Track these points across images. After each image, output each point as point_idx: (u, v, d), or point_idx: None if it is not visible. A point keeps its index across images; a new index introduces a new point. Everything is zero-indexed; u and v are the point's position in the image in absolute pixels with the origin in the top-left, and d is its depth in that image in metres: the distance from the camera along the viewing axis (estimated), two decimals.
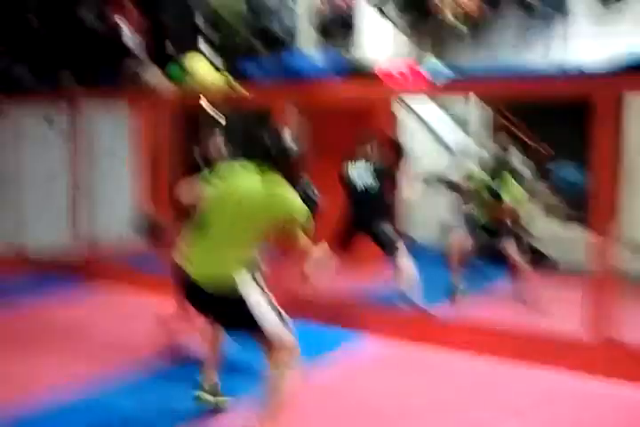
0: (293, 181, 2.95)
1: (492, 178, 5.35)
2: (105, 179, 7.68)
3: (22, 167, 7.06)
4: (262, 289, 2.94)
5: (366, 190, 4.96)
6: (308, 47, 5.60)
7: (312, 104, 5.02)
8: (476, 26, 4.99)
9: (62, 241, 6.81)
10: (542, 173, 7.48)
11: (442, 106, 8.22)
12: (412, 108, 7.38)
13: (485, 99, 5.95)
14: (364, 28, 5.38)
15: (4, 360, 4.12)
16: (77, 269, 6.41)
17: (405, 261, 4.90)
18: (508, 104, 6.90)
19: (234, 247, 2.89)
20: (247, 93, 5.09)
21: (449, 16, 4.93)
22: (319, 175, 4.69)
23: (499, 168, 5.40)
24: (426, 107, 7.62)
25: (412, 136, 6.38)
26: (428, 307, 4.74)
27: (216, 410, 3.41)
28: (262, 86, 5.13)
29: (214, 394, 3.45)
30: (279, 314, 2.91)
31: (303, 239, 2.97)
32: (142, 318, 4.89)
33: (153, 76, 6.00)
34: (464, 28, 5.02)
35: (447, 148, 6.12)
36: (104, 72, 6.29)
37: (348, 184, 5.01)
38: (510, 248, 5.27)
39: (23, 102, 6.85)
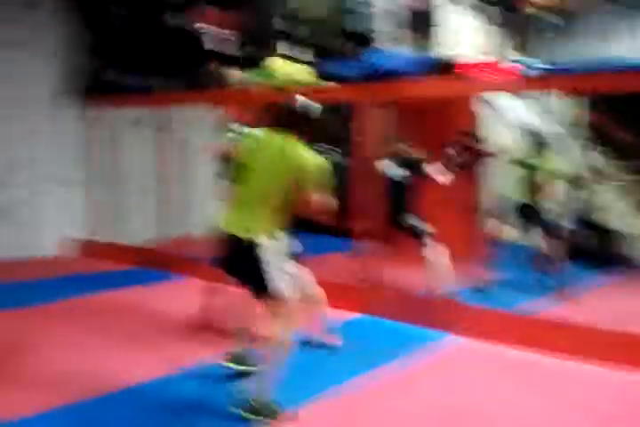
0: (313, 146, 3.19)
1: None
2: (196, 177, 7.94)
3: (118, 167, 7.36)
4: (278, 253, 3.20)
5: (398, 182, 5.13)
6: (391, 46, 5.61)
7: (396, 101, 5.07)
8: (564, 18, 4.89)
9: (155, 236, 7.07)
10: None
11: (533, 102, 8.12)
12: (496, 105, 7.32)
13: (575, 93, 5.82)
14: (446, 25, 5.34)
15: (104, 348, 4.28)
16: (170, 263, 6.61)
17: (434, 252, 5.04)
18: (601, 99, 6.73)
19: (261, 204, 3.16)
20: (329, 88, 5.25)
21: (535, 9, 4.84)
22: None
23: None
24: (514, 103, 7.53)
25: (498, 132, 6.29)
26: (456, 297, 4.80)
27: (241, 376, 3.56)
28: (347, 84, 5.21)
29: (240, 362, 3.67)
30: (286, 276, 3.20)
31: (317, 197, 3.14)
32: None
33: (239, 76, 6.14)
34: (551, 21, 4.91)
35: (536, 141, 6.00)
36: (191, 74, 6.49)
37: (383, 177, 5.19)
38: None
39: (116, 105, 7.13)
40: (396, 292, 5.14)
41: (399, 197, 5.15)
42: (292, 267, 3.49)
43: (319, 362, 4.00)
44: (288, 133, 3.21)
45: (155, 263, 6.63)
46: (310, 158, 3.13)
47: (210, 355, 3.99)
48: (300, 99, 3.29)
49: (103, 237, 7.25)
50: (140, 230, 7.17)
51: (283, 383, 3.18)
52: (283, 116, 3.28)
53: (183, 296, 5.53)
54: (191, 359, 3.99)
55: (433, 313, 4.76)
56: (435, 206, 5.44)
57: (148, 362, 3.97)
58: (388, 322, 4.88)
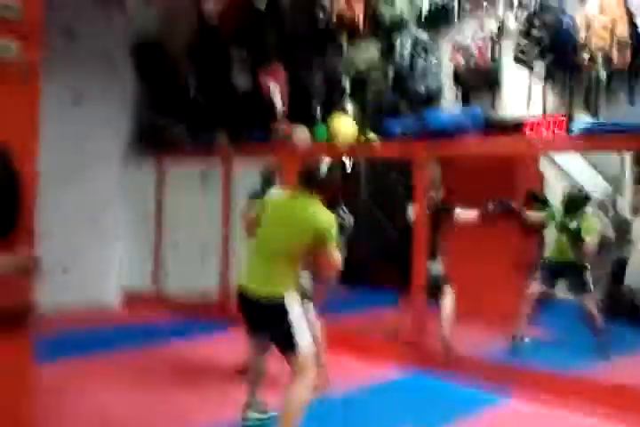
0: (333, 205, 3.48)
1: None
2: None
3: (180, 221, 7.58)
4: (304, 308, 3.40)
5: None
6: (452, 105, 5.65)
7: (453, 158, 5.18)
8: (631, 78, 4.80)
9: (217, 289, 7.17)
10: None
11: (594, 163, 8.01)
12: (556, 163, 7.25)
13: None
14: (506, 84, 5.36)
15: (164, 395, 4.35)
16: (219, 312, 6.68)
17: (448, 302, 5.15)
18: None
19: (281, 263, 3.35)
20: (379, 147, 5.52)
21: (600, 71, 4.78)
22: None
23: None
24: (574, 162, 7.44)
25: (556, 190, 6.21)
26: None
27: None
28: (404, 142, 5.37)
29: (261, 412, 3.77)
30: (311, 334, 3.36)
31: (332, 258, 3.32)
32: None
33: (300, 135, 6.28)
34: (605, 80, 4.83)
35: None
36: (255, 131, 6.70)
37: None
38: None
39: (181, 160, 7.40)
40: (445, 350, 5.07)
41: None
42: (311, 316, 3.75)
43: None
44: (312, 194, 3.41)
45: (212, 315, 6.72)
46: (325, 218, 3.32)
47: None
48: (326, 161, 3.47)
49: (164, 288, 7.42)
50: (200, 284, 7.30)
51: None
52: (308, 178, 3.47)
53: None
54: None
55: (485, 373, 4.63)
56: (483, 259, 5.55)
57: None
58: (437, 382, 4.78)
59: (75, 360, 5.16)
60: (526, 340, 5.59)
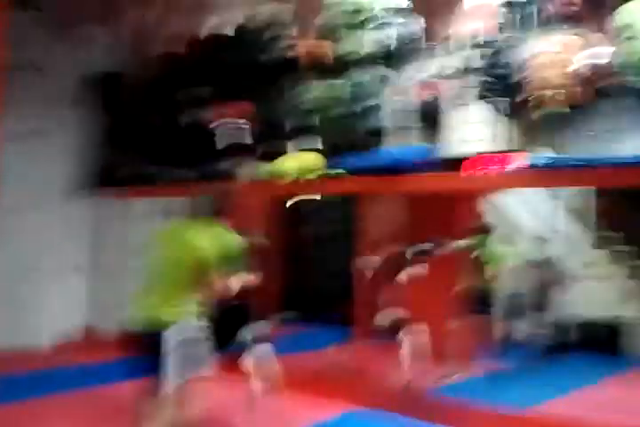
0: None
1: None
2: None
3: (126, 256, 7.47)
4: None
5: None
6: (402, 143, 5.64)
7: (403, 194, 5.19)
8: (582, 113, 4.84)
9: None
10: None
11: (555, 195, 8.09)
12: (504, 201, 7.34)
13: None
14: (455, 121, 5.37)
15: None
16: None
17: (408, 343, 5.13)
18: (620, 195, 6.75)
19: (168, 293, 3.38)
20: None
21: (551, 109, 4.82)
22: None
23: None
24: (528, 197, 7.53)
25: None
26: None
27: None
28: (359, 178, 5.39)
29: None
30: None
31: (218, 284, 3.33)
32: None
33: (254, 170, 6.25)
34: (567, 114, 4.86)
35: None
36: (207, 168, 6.65)
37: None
38: None
39: (146, 196, 7.31)
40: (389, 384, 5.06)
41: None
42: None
43: None
44: (214, 220, 3.48)
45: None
46: (209, 243, 3.33)
47: None
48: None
49: (109, 325, 7.25)
50: None
51: None
52: (213, 204, 3.56)
53: None
54: None
55: (431, 409, 4.58)
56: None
57: None
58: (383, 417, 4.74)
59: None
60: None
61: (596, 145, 4.74)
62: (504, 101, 4.97)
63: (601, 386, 5.73)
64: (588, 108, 4.71)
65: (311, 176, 5.63)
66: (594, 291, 7.48)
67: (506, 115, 5.06)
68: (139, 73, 7.72)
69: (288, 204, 6.45)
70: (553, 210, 7.79)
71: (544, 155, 4.63)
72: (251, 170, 6.20)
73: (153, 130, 7.37)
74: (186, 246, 3.38)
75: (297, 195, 6.24)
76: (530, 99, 4.76)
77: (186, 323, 3.36)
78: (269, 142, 6.35)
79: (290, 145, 6.10)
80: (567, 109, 4.69)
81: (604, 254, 8.11)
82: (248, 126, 6.53)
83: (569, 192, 8.01)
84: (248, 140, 6.54)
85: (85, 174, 7.86)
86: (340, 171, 5.57)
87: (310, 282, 9.52)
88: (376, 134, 5.57)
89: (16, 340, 6.92)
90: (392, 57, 5.82)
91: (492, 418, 4.49)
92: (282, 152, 6.22)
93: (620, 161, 4.16)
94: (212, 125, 6.58)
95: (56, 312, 7.52)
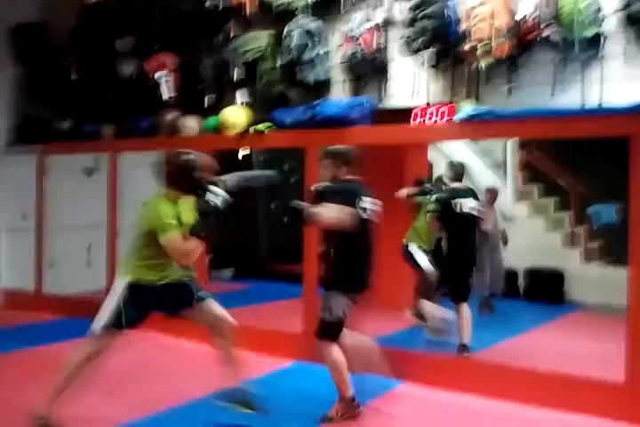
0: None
1: None
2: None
3: (63, 215, 7.23)
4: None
5: None
6: (342, 95, 5.66)
7: None
8: (510, 67, 4.94)
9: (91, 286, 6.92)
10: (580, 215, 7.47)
11: (480, 150, 8.31)
12: (443, 152, 7.47)
13: (521, 141, 5.98)
14: (394, 73, 5.41)
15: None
16: None
17: None
18: (546, 147, 7.01)
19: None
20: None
21: (480, 61, 4.89)
22: None
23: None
24: (461, 151, 7.69)
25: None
26: None
27: None
28: (294, 132, 5.39)
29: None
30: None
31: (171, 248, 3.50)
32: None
33: (190, 126, 6.14)
34: (486, 69, 4.96)
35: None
36: (142, 123, 6.48)
37: None
38: None
39: (65, 153, 7.05)
40: None
41: None
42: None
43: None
44: (169, 188, 3.65)
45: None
46: (157, 210, 3.56)
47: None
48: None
49: (45, 288, 7.10)
50: (85, 281, 7.00)
51: None
52: (167, 172, 3.67)
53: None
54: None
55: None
56: None
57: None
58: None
59: None
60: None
61: (518, 98, 4.89)
62: (431, 53, 5.01)
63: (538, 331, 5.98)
64: (512, 61, 4.81)
65: (258, 128, 5.61)
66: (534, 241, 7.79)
67: (432, 66, 5.12)
68: (61, 24, 7.32)
69: (240, 155, 6.36)
70: (478, 164, 8.01)
71: (473, 107, 4.71)
72: (194, 122, 6.04)
73: (75, 83, 7.06)
74: (146, 213, 3.68)
75: (240, 148, 6.14)
76: (459, 51, 4.82)
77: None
78: (211, 98, 6.20)
79: (233, 97, 5.98)
80: (492, 61, 4.75)
81: (527, 206, 8.46)
82: (170, 79, 6.34)
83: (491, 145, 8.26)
84: (169, 93, 6.37)
85: (22, 132, 7.50)
86: (270, 125, 5.56)
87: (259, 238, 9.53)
88: (313, 87, 5.54)
89: None
90: (326, 7, 5.75)
91: (432, 364, 4.62)
92: (208, 107, 6.13)
93: (544, 113, 4.27)
94: (152, 80, 6.33)
95: None
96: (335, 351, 3.81)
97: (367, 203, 3.91)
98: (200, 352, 5.11)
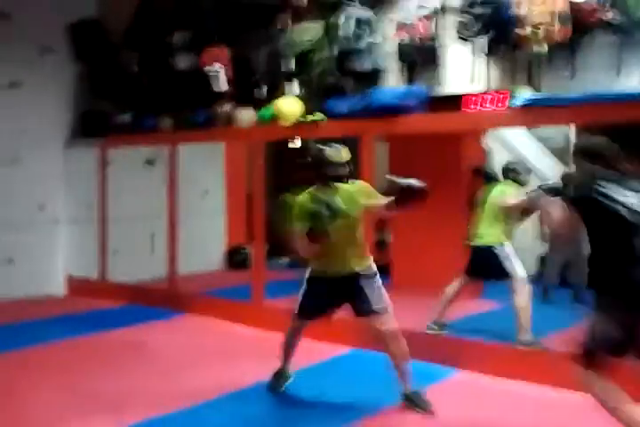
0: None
1: None
2: (201, 216, 8.08)
3: (126, 206, 7.45)
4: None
5: None
6: (396, 84, 5.66)
7: (397, 136, 5.18)
8: (570, 52, 4.86)
9: (152, 274, 7.14)
10: None
11: (539, 138, 8.16)
12: (502, 139, 7.35)
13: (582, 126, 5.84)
14: (450, 61, 5.39)
15: (101, 381, 4.31)
16: (171, 300, 6.63)
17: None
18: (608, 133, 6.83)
19: None
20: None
21: (536, 45, 4.83)
22: None
23: None
24: (519, 138, 7.56)
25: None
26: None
27: None
28: (350, 121, 5.36)
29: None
30: None
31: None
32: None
33: (245, 117, 6.23)
34: (546, 54, 4.88)
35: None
36: (199, 115, 6.61)
37: None
38: None
39: (126, 146, 7.26)
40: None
41: None
42: None
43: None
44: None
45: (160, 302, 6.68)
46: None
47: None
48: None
49: (108, 276, 7.34)
50: (147, 269, 7.21)
51: None
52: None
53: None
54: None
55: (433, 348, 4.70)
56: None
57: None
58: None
59: (24, 351, 5.06)
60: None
61: (579, 83, 4.79)
62: (484, 41, 4.96)
63: None
64: (566, 47, 4.73)
65: (313, 118, 5.62)
66: None
67: (485, 54, 5.07)
68: (116, 20, 7.51)
69: (294, 145, 6.42)
70: (536, 151, 7.87)
71: (530, 93, 4.65)
72: (249, 114, 6.13)
73: (133, 77, 7.23)
74: None
75: (294, 138, 6.20)
76: (516, 36, 4.76)
77: None
78: (265, 89, 6.28)
79: (287, 88, 6.05)
80: (546, 48, 4.69)
81: None
82: (223, 72, 6.44)
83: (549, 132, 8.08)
84: (224, 86, 6.46)
85: (83, 126, 7.73)
86: (322, 116, 5.58)
87: None
88: (367, 76, 5.55)
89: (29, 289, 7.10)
90: None
91: (485, 352, 4.58)
92: (263, 98, 6.21)
93: (603, 97, 4.16)
94: (207, 73, 6.44)
95: (62, 263, 7.64)
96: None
97: None
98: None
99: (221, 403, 3.93)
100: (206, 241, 8.45)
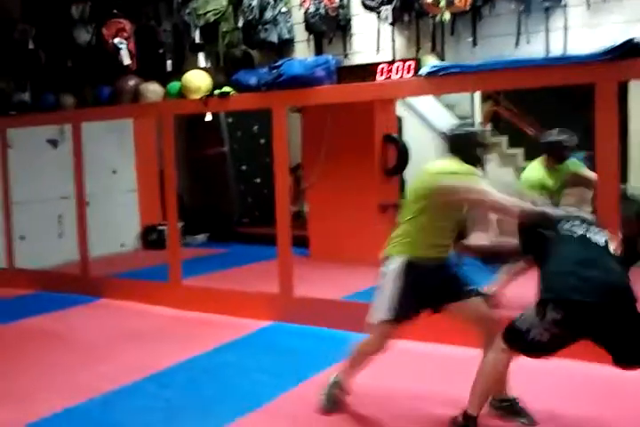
0: None
1: None
2: (112, 196, 7.85)
3: (29, 190, 7.12)
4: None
5: None
6: (305, 54, 5.60)
7: (308, 107, 5.14)
8: (474, 19, 4.93)
9: (62, 258, 6.92)
10: None
11: (447, 105, 8.32)
12: (411, 107, 7.46)
13: (487, 92, 5.96)
14: (356, 30, 5.37)
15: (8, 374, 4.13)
16: (85, 285, 6.42)
17: None
18: (512, 98, 7.03)
19: None
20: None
21: (442, 14, 4.86)
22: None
23: None
24: (428, 105, 7.69)
25: (413, 134, 6.40)
26: None
27: None
28: (259, 93, 5.29)
29: None
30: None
31: None
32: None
33: (152, 92, 6.04)
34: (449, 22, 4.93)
35: None
36: (103, 91, 6.35)
37: None
38: None
39: (27, 126, 6.90)
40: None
41: None
42: None
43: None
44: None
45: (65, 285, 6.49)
46: None
47: None
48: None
49: (16, 263, 7.01)
50: (58, 253, 6.95)
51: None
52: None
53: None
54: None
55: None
56: None
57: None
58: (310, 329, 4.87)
59: None
60: None
61: (483, 49, 4.87)
62: (392, 8, 4.96)
63: None
64: (475, 12, 4.79)
65: (222, 91, 5.48)
66: None
67: (390, 23, 5.07)
68: None
69: (208, 117, 6.25)
70: (446, 117, 8.02)
71: (436, 61, 4.70)
72: (156, 88, 5.94)
73: (32, 53, 6.85)
74: None
75: (205, 111, 6.05)
76: (421, 4, 4.78)
77: None
78: (172, 62, 6.10)
79: (193, 61, 5.89)
80: (449, 16, 4.73)
81: (495, 158, 8.53)
82: (126, 45, 6.20)
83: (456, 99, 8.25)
84: (127, 60, 6.23)
85: None
86: (231, 89, 5.46)
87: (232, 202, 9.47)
88: (276, 47, 5.49)
89: None
90: None
91: None
92: (169, 72, 6.04)
93: (508, 64, 4.24)
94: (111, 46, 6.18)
95: None
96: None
97: None
98: None
99: (141, 387, 3.84)
100: (119, 221, 8.23)
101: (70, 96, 6.56)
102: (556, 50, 4.47)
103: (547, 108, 7.70)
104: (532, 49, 4.60)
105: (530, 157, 8.63)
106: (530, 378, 3.51)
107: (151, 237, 8.66)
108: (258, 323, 5.05)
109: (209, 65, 5.90)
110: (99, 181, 7.27)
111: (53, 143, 7.48)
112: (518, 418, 3.21)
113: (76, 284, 6.44)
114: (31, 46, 6.85)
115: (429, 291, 3.22)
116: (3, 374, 4.13)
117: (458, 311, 3.27)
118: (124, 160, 8.53)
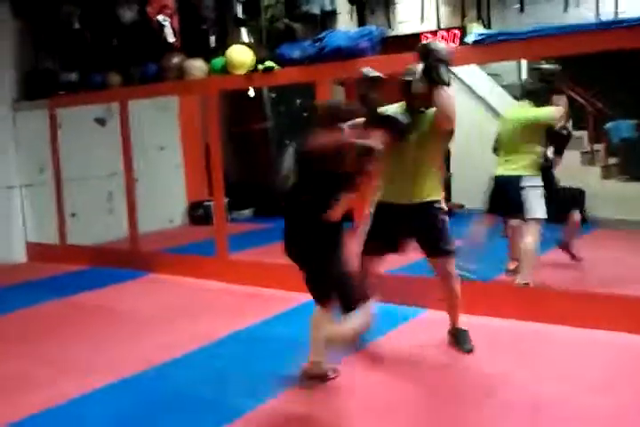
0: None
1: None
2: (160, 173, 7.96)
3: (79, 167, 7.27)
4: None
5: None
6: (347, 26, 5.55)
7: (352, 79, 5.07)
8: None
9: (112, 234, 7.08)
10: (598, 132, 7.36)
11: (495, 75, 8.13)
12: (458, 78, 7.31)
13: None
14: (398, 0, 5.29)
15: (66, 347, 4.26)
16: (134, 260, 6.56)
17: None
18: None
19: None
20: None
21: None
22: None
23: None
24: (476, 76, 7.53)
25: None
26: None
27: None
28: (304, 67, 5.22)
29: None
30: None
31: None
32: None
33: (196, 68, 6.06)
34: None
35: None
36: (149, 69, 6.41)
37: None
38: None
39: (75, 105, 7.02)
40: None
41: None
42: None
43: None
44: None
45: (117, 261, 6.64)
46: None
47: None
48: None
49: (68, 239, 7.19)
50: (108, 230, 7.10)
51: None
52: None
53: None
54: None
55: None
56: None
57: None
58: None
59: None
60: None
61: (530, 16, 4.75)
62: None
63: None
64: None
65: (266, 66, 5.42)
66: None
67: None
68: None
69: (251, 93, 6.26)
70: (492, 88, 7.85)
71: (481, 30, 4.61)
72: (200, 65, 5.95)
73: (77, 33, 6.94)
74: None
75: (249, 86, 6.06)
76: None
77: None
78: (215, 39, 6.12)
79: (236, 36, 5.89)
80: None
81: None
82: (169, 22, 6.23)
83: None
84: (171, 37, 6.26)
85: (29, 86, 7.38)
86: (274, 64, 5.40)
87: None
88: (319, 19, 5.44)
89: None
90: None
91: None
92: (213, 48, 6.05)
93: (556, 30, 4.11)
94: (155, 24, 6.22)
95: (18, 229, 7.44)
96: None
97: None
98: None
99: (193, 358, 3.93)
100: (166, 198, 8.37)
101: (116, 75, 6.64)
102: (607, 13, 4.32)
103: (596, 76, 7.44)
104: (582, 14, 4.47)
105: (578, 125, 8.40)
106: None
107: (198, 213, 8.78)
108: (304, 295, 5.07)
109: (252, 40, 5.88)
110: (146, 157, 7.37)
111: (101, 122, 7.59)
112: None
113: (126, 259, 6.59)
114: (77, 26, 6.95)
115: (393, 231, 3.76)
116: (62, 347, 4.27)
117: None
118: (171, 137, 8.64)
